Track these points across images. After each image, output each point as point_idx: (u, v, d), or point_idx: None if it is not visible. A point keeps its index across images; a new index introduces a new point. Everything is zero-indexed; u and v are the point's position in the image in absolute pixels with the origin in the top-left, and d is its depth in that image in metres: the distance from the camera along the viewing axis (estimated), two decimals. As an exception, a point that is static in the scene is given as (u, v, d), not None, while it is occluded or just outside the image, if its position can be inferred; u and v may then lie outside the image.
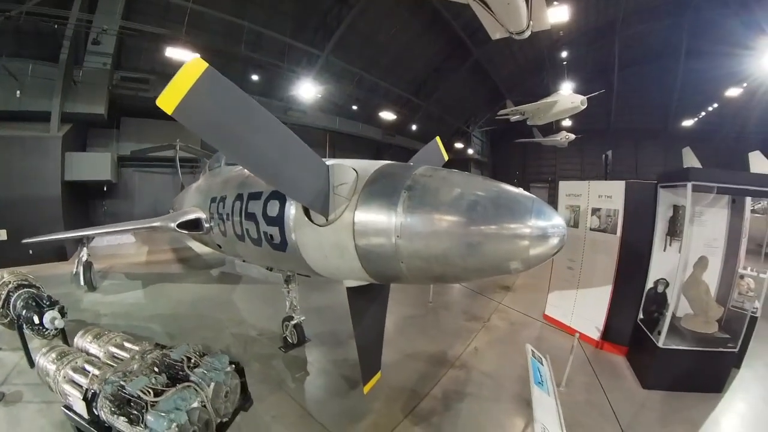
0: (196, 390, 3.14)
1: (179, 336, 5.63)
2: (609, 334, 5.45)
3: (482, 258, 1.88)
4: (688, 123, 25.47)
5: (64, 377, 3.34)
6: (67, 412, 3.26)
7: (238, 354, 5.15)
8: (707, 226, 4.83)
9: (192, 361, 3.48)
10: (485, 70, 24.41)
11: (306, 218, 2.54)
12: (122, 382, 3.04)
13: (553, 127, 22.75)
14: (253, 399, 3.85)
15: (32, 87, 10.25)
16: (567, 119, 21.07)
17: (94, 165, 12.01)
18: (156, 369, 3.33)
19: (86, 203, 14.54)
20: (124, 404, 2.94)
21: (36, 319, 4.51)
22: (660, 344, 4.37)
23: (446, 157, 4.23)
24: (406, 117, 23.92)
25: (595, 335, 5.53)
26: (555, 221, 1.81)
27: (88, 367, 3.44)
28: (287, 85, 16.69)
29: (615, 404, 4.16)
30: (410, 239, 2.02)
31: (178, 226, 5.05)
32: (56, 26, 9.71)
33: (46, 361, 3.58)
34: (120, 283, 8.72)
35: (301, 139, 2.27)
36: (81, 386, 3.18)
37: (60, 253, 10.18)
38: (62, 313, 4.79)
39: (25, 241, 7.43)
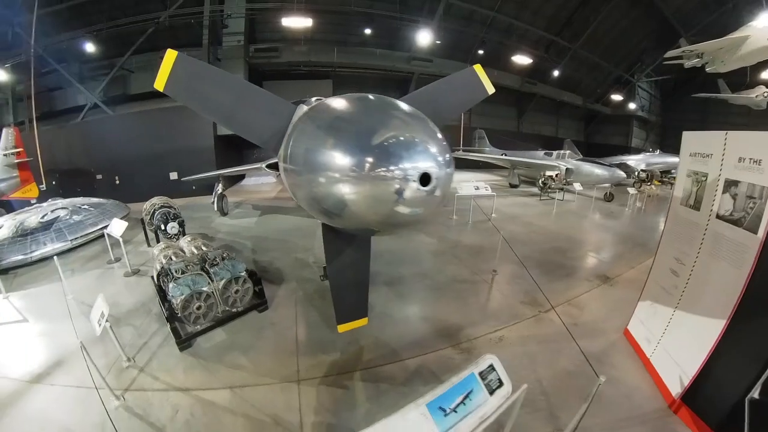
0: (209, 279, 4.60)
1: (258, 251, 7.50)
2: (694, 396, 3.53)
3: (319, 206, 1.99)
4: None
5: (159, 260, 5.45)
6: (153, 279, 5.44)
7: (288, 271, 6.34)
8: None
9: (216, 260, 5.02)
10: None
11: None
12: (170, 265, 4.88)
13: (747, 80, 16.73)
14: (269, 306, 5.14)
15: None
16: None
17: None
18: (196, 262, 5.07)
19: (241, 152, 19.14)
20: (165, 276, 4.76)
21: (162, 227, 7.30)
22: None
23: (490, 90, 3.41)
24: (549, 62, 20.94)
25: (675, 388, 3.67)
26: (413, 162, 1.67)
27: (173, 256, 5.43)
28: (408, 35, 17.33)
29: None
30: (285, 175, 2.39)
31: (267, 166, 6.76)
32: (192, 21, 13.76)
33: (157, 250, 5.87)
34: (245, 211, 11.69)
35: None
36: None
37: (212, 188, 13.78)
38: (180, 225, 7.47)
39: (183, 179, 11.19)
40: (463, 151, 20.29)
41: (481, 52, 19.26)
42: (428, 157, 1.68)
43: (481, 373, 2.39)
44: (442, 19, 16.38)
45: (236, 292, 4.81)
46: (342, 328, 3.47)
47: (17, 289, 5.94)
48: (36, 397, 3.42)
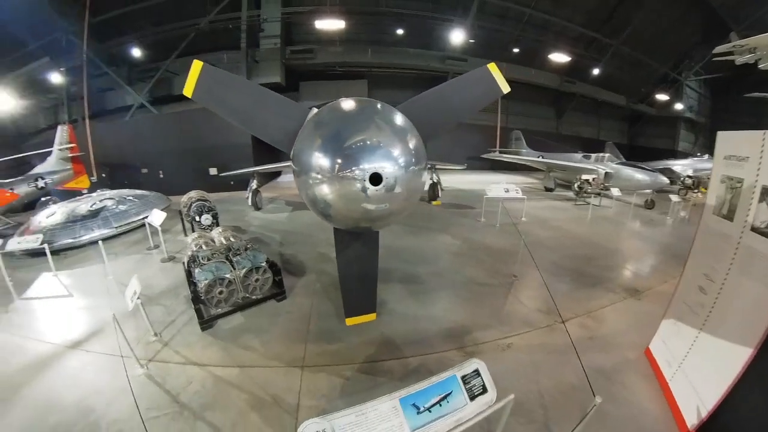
0: (231, 267, 4.96)
1: (285, 244, 7.99)
2: (710, 430, 3.24)
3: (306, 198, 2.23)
4: None
5: (190, 248, 5.92)
6: (183, 265, 5.92)
7: (310, 264, 6.67)
8: None
9: (239, 250, 5.40)
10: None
11: None
12: (198, 252, 5.34)
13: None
14: (288, 296, 5.43)
15: (227, 70, 15.82)
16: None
17: (276, 120, 17.79)
18: (222, 251, 5.50)
19: (275, 150, 20.68)
20: (193, 262, 5.20)
21: (197, 218, 7.80)
22: None
23: (505, 89, 3.33)
24: (589, 60, 20.14)
25: (691, 418, 3.36)
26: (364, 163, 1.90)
27: (203, 245, 5.87)
28: (442, 34, 17.41)
29: None
30: (293, 175, 2.61)
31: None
32: (230, 26, 14.79)
33: (190, 239, 6.36)
34: (278, 207, 12.34)
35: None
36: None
37: (248, 184, 15.30)
38: (214, 217, 7.96)
39: (221, 174, 11.92)
40: (500, 152, 19.90)
41: (516, 50, 18.93)
42: (382, 158, 1.84)
43: (464, 377, 2.35)
44: (476, 17, 16.27)
45: (256, 280, 5.12)
46: (350, 321, 3.62)
47: (65, 268, 6.70)
48: (71, 361, 3.98)
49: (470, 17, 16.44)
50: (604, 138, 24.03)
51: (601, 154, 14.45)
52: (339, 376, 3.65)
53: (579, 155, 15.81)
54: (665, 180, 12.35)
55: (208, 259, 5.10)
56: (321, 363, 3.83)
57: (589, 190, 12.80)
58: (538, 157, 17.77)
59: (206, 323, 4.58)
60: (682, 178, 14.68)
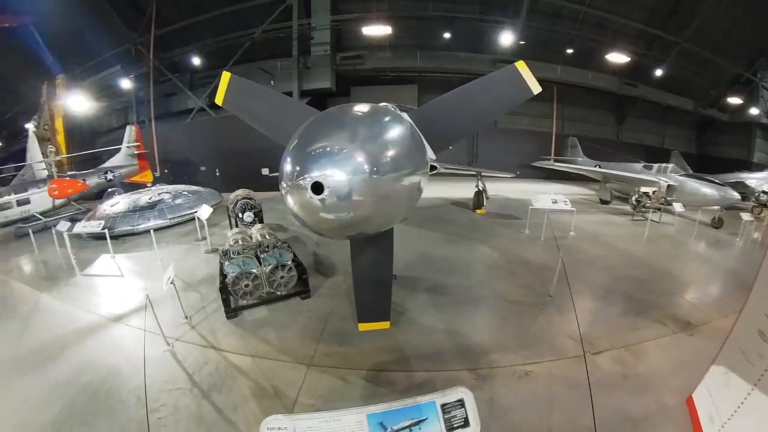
0: (258, 263, 5.26)
1: (321, 244, 8.06)
2: None
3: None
4: None
5: (228, 242, 6.36)
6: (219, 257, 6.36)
7: (340, 266, 6.71)
8: None
9: (267, 248, 5.69)
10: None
11: None
12: (231, 247, 5.72)
13: None
14: (312, 295, 5.64)
15: (280, 77, 16.98)
16: None
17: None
18: (252, 247, 5.82)
19: None
20: (224, 255, 5.56)
21: (240, 215, 8.37)
22: None
23: (535, 90, 2.93)
24: (651, 60, 18.29)
25: None
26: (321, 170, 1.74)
27: (240, 240, 6.30)
28: (492, 37, 17.07)
29: None
30: None
31: None
32: (282, 35, 15.85)
33: (231, 233, 6.84)
34: None
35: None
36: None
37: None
38: (256, 215, 8.48)
39: (271, 174, 12.56)
40: (554, 161, 18.82)
41: (570, 51, 17.87)
42: (331, 166, 1.74)
43: (444, 405, 2.12)
44: (527, 18, 15.62)
45: (281, 277, 5.35)
46: (363, 326, 3.63)
47: (122, 252, 7.59)
48: (112, 332, 4.66)
49: (521, 18, 15.83)
50: (670, 147, 21.60)
51: (664, 165, 13.06)
52: (341, 379, 3.70)
53: (639, 165, 14.46)
54: (736, 195, 10.79)
55: (238, 254, 5.41)
56: (327, 364, 3.92)
57: (647, 204, 11.62)
58: (595, 166, 16.54)
59: (232, 312, 4.94)
60: (756, 194, 12.71)
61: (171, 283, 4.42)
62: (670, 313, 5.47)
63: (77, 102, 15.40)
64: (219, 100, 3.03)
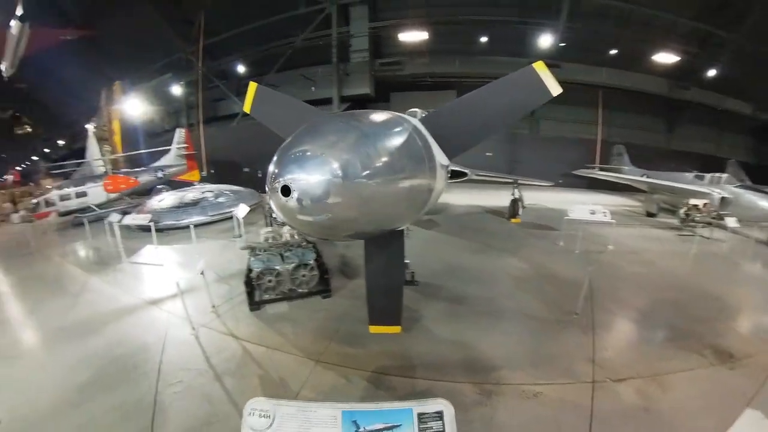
0: (282, 260, 5.57)
1: (350, 246, 7.97)
2: None
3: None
4: None
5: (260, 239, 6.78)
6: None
7: (362, 269, 7.05)
8: None
9: (292, 247, 6.02)
10: None
11: None
12: (259, 244, 6.14)
13: None
14: (333, 295, 5.82)
15: (321, 83, 17.78)
16: None
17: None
18: (278, 245, 6.20)
19: None
20: (252, 251, 5.96)
21: (272, 214, 8.75)
22: None
23: (555, 91, 2.74)
24: (704, 60, 16.75)
25: None
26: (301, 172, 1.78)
27: (270, 238, 6.69)
28: (532, 40, 16.72)
29: None
30: None
31: None
32: (321, 42, 16.55)
33: (263, 231, 7.24)
34: None
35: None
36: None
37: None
38: None
39: None
40: (599, 170, 17.80)
41: (614, 51, 16.90)
42: (302, 170, 1.79)
43: (422, 415, 2.02)
44: (568, 18, 15.00)
45: (303, 276, 5.61)
46: (374, 329, 3.63)
47: (164, 244, 8.35)
48: (148, 314, 5.30)
49: (561, 19, 15.20)
50: (726, 155, 19.55)
51: (718, 175, 11.92)
52: (344, 378, 3.82)
53: (690, 175, 13.30)
54: (799, 211, 9.63)
55: (264, 251, 5.78)
56: (334, 362, 4.06)
57: (697, 218, 10.68)
58: (642, 176, 15.44)
59: (255, 305, 5.28)
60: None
61: (201, 274, 4.84)
62: (709, 342, 4.86)
63: (133, 106, 17.09)
64: (247, 108, 3.27)
